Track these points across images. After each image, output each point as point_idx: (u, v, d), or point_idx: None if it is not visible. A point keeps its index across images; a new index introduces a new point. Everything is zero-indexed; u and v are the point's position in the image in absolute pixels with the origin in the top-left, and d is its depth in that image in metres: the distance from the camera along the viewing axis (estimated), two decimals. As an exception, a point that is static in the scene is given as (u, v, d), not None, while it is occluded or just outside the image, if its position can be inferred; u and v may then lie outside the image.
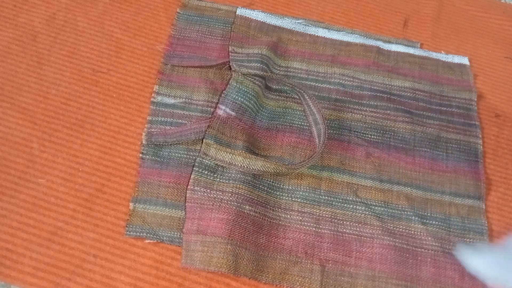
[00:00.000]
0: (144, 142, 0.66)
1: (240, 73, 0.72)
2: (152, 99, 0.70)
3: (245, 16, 0.79)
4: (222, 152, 0.65)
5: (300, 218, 0.65)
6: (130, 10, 0.78)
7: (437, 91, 0.78)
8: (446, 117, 0.75)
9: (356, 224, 0.65)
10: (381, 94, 0.75)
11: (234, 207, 0.62)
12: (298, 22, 0.79)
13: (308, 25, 0.80)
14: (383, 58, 0.79)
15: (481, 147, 0.73)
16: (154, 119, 0.69)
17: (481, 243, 0.65)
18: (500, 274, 0.57)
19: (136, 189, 0.63)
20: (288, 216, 0.65)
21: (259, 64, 0.72)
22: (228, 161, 0.65)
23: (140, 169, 0.64)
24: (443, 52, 0.82)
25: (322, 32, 0.80)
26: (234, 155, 0.65)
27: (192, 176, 0.64)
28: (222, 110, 0.69)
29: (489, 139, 0.74)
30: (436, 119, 0.75)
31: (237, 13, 0.79)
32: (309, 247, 0.63)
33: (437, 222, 0.67)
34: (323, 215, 0.65)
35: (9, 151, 0.64)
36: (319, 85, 0.75)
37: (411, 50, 0.81)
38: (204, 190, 0.63)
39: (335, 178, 0.68)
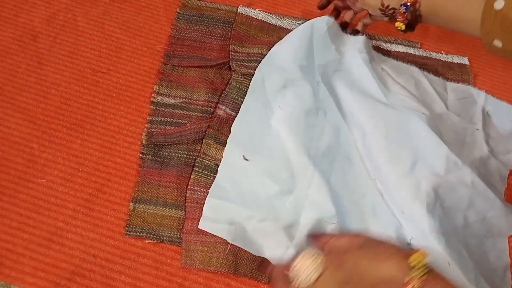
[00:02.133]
0: (144, 142, 0.66)
1: (240, 73, 0.72)
2: (152, 99, 0.70)
3: (247, 15, 0.79)
4: (222, 152, 0.65)
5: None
6: (130, 10, 0.78)
7: (437, 91, 0.78)
8: None
9: None
10: None
11: (234, 207, 0.62)
12: (298, 23, 0.79)
13: None
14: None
15: None
16: (154, 119, 0.69)
17: None
18: None
19: (136, 189, 0.63)
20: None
21: (259, 64, 0.72)
22: (228, 161, 0.65)
23: (140, 169, 0.64)
24: (443, 52, 0.82)
25: None
26: (234, 155, 0.65)
27: (192, 176, 0.64)
28: (222, 110, 0.69)
29: (489, 139, 0.74)
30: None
31: (238, 11, 0.79)
32: (309, 247, 0.63)
33: None
34: None
35: (9, 151, 0.64)
36: None
37: (411, 50, 0.81)
38: (204, 190, 0.63)
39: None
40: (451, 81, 0.78)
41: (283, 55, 0.72)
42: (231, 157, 0.64)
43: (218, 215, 0.60)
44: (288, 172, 0.63)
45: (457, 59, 0.81)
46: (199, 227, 0.59)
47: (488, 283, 0.60)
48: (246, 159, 0.63)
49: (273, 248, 0.58)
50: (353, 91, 0.70)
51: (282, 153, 0.64)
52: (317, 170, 0.63)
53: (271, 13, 0.80)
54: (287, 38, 0.74)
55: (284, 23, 0.80)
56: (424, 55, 0.81)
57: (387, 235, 0.61)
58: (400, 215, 0.62)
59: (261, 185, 0.62)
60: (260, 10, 0.80)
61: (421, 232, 0.60)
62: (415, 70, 0.77)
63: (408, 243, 0.60)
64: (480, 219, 0.64)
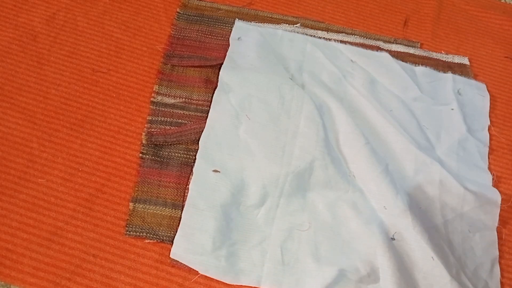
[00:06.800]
0: (144, 142, 0.66)
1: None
2: (152, 99, 0.70)
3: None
4: (222, 152, 0.65)
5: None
6: (130, 10, 0.78)
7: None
8: None
9: None
10: None
11: (234, 207, 0.62)
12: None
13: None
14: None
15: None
16: (154, 119, 0.69)
17: None
18: None
19: (136, 189, 0.63)
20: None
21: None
22: (228, 161, 0.65)
23: (140, 169, 0.64)
24: (443, 52, 0.82)
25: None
26: (234, 155, 0.65)
27: (191, 176, 0.64)
28: (222, 110, 0.69)
29: (490, 139, 0.74)
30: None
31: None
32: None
33: None
34: None
35: (9, 151, 0.64)
36: None
37: (411, 50, 0.81)
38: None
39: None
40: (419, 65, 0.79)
41: (242, 59, 0.72)
42: (202, 174, 0.63)
43: (190, 245, 0.59)
44: (259, 183, 0.63)
45: (457, 59, 0.81)
46: (170, 256, 0.58)
47: (474, 277, 0.61)
48: (217, 171, 0.63)
49: (248, 271, 0.59)
50: (326, 89, 0.72)
51: (253, 164, 0.64)
52: (290, 177, 0.63)
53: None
54: (243, 42, 0.75)
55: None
56: (424, 55, 0.81)
57: (370, 230, 0.61)
58: (382, 210, 0.63)
59: (232, 201, 0.62)
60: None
61: (405, 227, 0.61)
62: (386, 56, 0.78)
63: (392, 237, 0.61)
64: (458, 216, 0.65)
